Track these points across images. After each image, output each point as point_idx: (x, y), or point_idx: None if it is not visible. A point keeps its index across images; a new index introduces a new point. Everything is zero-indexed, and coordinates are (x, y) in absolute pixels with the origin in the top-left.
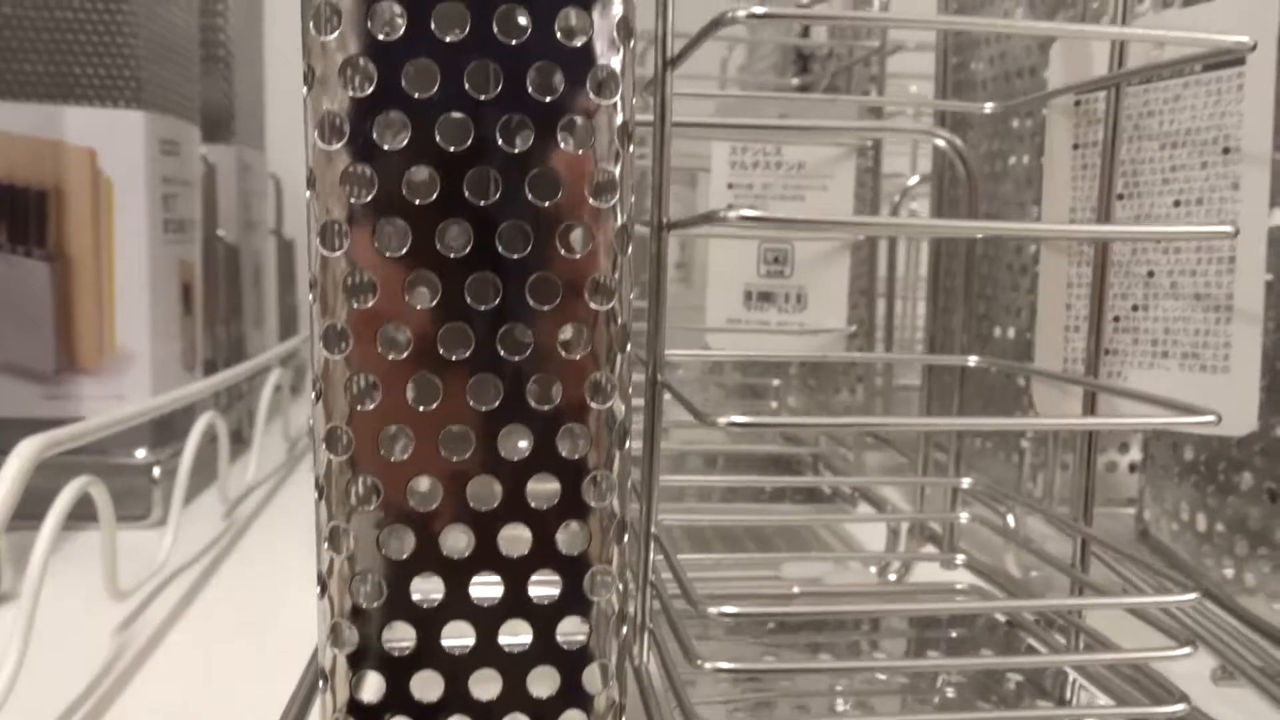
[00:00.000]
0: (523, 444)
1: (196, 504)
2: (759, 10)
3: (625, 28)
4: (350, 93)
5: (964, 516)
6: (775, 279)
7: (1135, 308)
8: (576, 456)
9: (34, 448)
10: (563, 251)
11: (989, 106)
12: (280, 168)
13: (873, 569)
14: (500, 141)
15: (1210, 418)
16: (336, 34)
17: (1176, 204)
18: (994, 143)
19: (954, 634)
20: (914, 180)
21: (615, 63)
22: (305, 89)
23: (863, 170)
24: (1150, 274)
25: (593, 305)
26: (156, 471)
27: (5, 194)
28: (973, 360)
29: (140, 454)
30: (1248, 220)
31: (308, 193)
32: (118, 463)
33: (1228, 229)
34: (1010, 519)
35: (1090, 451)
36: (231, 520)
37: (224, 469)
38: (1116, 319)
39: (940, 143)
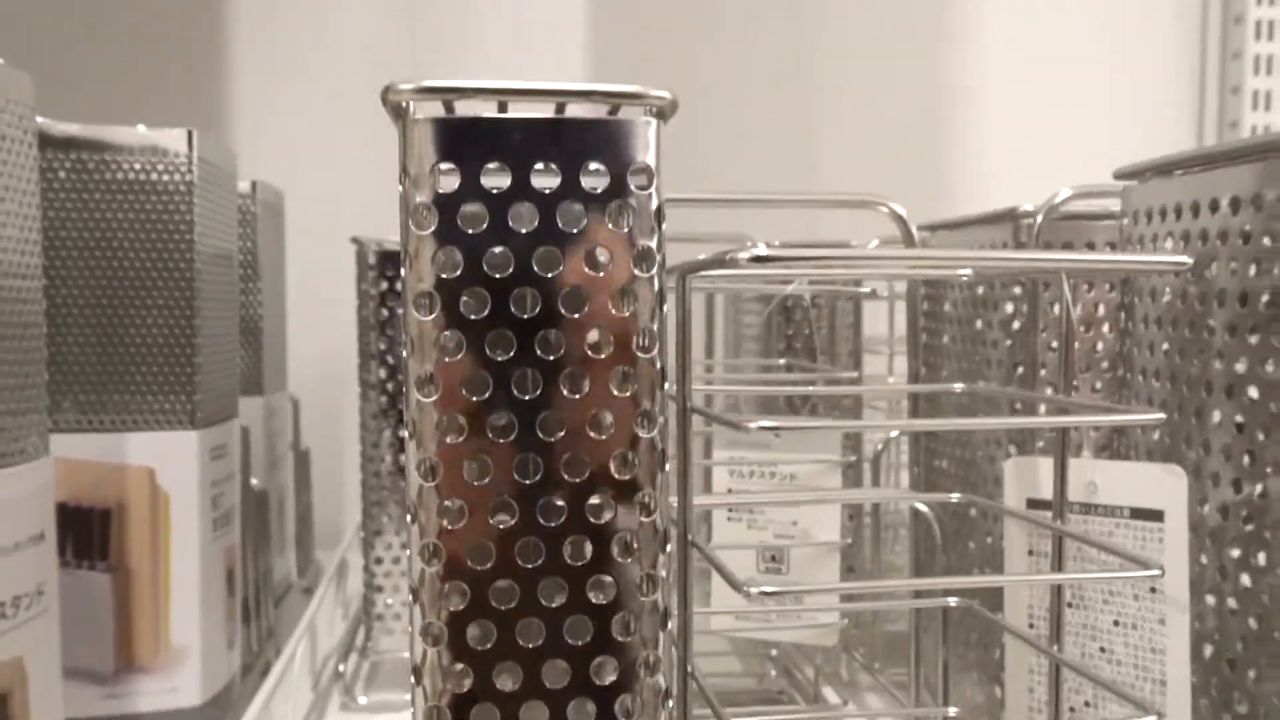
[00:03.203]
0: (584, 550)
1: None
2: None
3: (659, 215)
4: (440, 274)
5: None
6: (773, 576)
7: (1087, 704)
8: (629, 560)
9: None
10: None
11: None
12: (295, 384)
13: None
14: (562, 310)
15: None
16: (431, 230)
17: (1116, 623)
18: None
19: None
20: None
21: (653, 243)
22: (403, 269)
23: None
24: None
25: (640, 433)
26: None
27: (72, 515)
28: (953, 601)
29: None
30: (1173, 653)
31: (404, 352)
32: None
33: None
34: None
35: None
36: None
37: None
38: (1072, 709)
39: (921, 506)
